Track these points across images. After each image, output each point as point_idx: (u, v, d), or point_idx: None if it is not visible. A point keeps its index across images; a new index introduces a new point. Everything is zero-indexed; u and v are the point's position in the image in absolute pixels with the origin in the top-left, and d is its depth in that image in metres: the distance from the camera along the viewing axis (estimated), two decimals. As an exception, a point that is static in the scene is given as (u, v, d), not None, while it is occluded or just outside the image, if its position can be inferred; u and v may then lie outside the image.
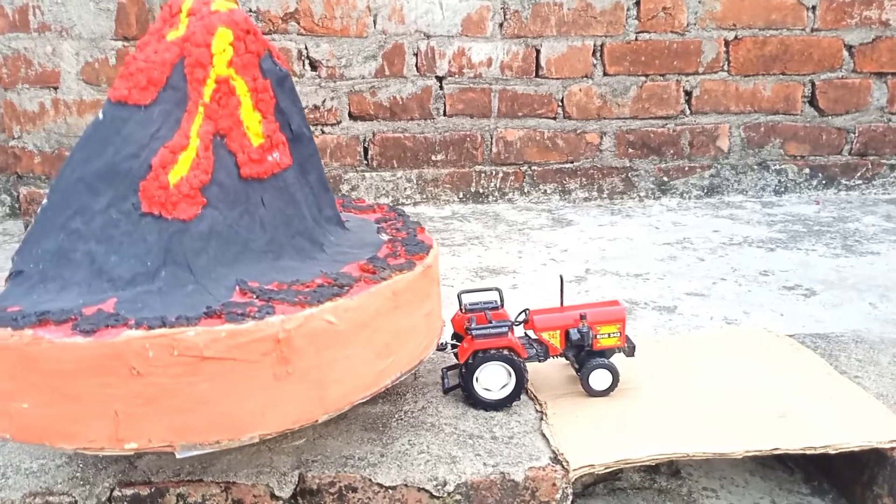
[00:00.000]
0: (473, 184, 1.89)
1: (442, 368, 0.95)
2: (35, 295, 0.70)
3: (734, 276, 1.41)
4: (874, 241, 1.60)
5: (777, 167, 1.94)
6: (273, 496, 0.78)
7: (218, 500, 0.78)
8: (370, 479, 0.78)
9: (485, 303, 0.94)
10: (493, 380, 0.89)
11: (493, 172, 1.89)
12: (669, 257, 1.52)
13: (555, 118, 1.86)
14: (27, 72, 1.60)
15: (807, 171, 1.95)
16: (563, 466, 0.80)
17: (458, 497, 0.79)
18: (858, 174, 1.95)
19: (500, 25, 1.79)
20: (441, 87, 1.82)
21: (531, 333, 0.93)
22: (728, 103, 1.88)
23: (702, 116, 1.89)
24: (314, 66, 1.77)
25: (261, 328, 0.65)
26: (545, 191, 1.92)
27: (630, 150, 1.90)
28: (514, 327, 0.90)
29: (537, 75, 1.83)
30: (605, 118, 1.87)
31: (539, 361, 0.91)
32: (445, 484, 0.79)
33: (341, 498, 0.79)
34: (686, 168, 1.92)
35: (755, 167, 1.93)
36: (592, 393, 0.91)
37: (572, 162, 1.90)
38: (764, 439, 0.83)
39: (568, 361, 0.95)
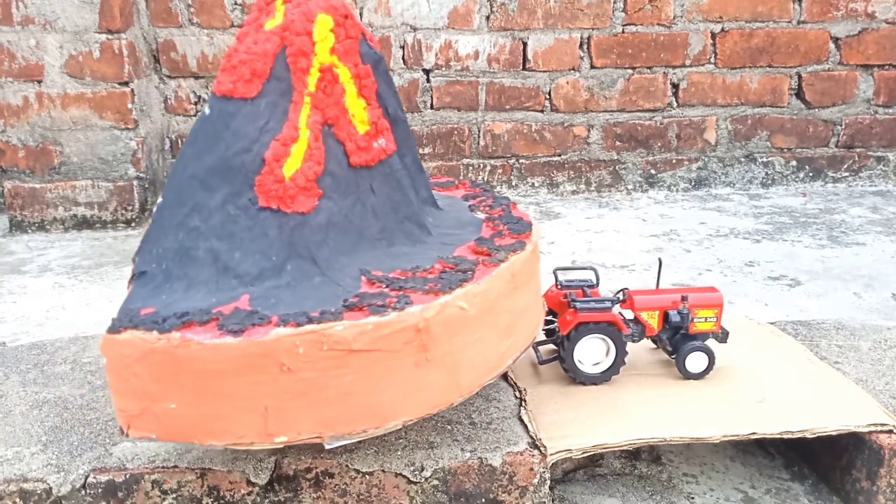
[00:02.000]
0: (461, 177, 1.89)
1: (533, 343, 0.93)
2: (163, 295, 0.70)
3: (720, 266, 1.41)
4: (860, 232, 1.61)
5: (764, 160, 1.94)
6: (249, 482, 0.78)
7: (193, 487, 0.77)
8: (347, 465, 0.78)
9: (581, 280, 0.95)
10: (591, 353, 0.89)
11: (481, 166, 1.89)
12: (656, 249, 1.53)
13: (542, 111, 1.86)
14: (10, 65, 1.60)
15: (794, 163, 1.95)
16: (540, 451, 0.80)
17: (435, 482, 0.79)
18: (845, 166, 1.96)
19: (487, 18, 1.79)
20: (428, 80, 1.82)
21: (627, 313, 0.93)
22: (715, 96, 1.88)
23: (689, 109, 1.89)
24: (300, 58, 1.77)
25: (403, 319, 0.66)
26: (533, 184, 1.91)
27: (617, 143, 1.90)
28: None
29: (524, 68, 1.83)
30: (592, 111, 1.87)
31: (633, 341, 0.92)
32: (423, 469, 0.78)
33: (318, 484, 0.79)
34: (673, 161, 1.92)
35: (742, 160, 1.94)
36: (688, 375, 0.92)
37: (560, 155, 1.90)
38: (742, 424, 0.83)
39: (655, 345, 0.96)
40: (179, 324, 0.64)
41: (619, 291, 0.94)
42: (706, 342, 0.92)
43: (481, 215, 0.90)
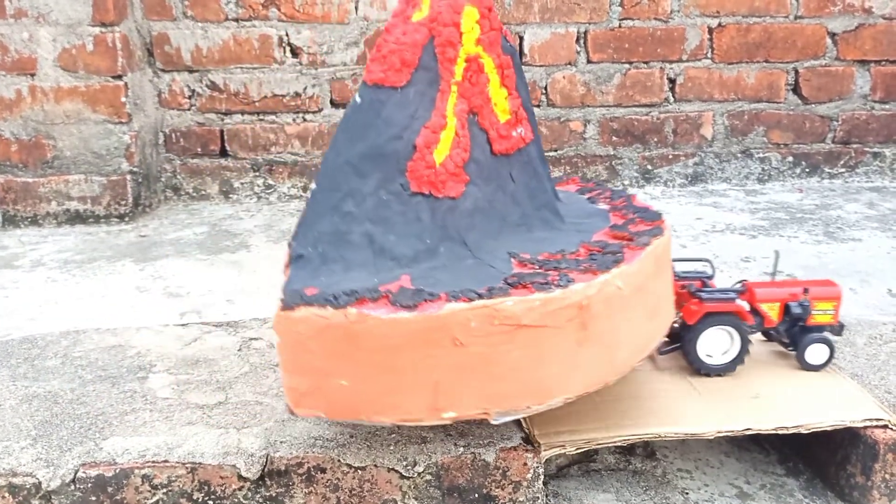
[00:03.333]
0: (457, 172, 1.88)
1: None
2: (323, 277, 0.72)
3: (716, 262, 1.41)
4: (856, 227, 1.60)
5: (760, 155, 1.93)
6: (240, 477, 0.77)
7: (184, 482, 0.77)
8: (339, 460, 0.78)
9: (697, 271, 0.95)
10: (714, 344, 0.90)
11: (477, 161, 1.88)
12: (651, 244, 1.52)
13: (539, 105, 1.85)
14: (3, 58, 1.58)
15: (790, 159, 1.94)
16: (534, 447, 0.79)
17: (428, 477, 0.78)
18: (842, 162, 1.95)
19: (483, 12, 1.78)
20: (423, 75, 1.81)
21: (745, 305, 0.93)
22: (712, 91, 1.87)
23: (685, 104, 1.88)
24: (295, 52, 1.76)
25: (567, 296, 0.68)
26: (529, 179, 1.91)
27: (614, 138, 1.89)
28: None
29: (521, 62, 1.82)
30: (588, 106, 1.86)
31: (751, 333, 0.92)
32: (415, 464, 0.78)
33: (310, 479, 0.78)
34: (670, 156, 1.92)
35: (739, 155, 1.93)
36: (807, 367, 0.92)
37: (556, 150, 1.89)
38: (737, 420, 0.83)
39: (766, 338, 0.96)
40: (353, 300, 0.66)
41: (736, 283, 0.95)
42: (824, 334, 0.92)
43: (603, 206, 0.92)
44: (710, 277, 0.95)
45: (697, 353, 0.90)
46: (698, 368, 0.90)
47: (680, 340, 0.91)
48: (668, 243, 0.83)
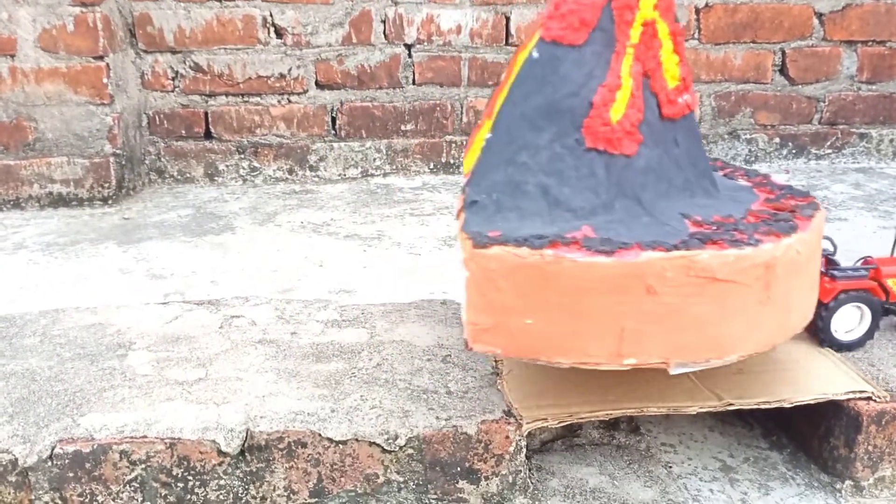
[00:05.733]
0: (444, 154, 1.87)
1: None
2: (499, 222, 0.74)
3: (701, 241, 1.41)
4: (842, 207, 1.60)
5: (747, 136, 1.93)
6: (220, 452, 0.76)
7: (163, 458, 0.76)
8: (320, 434, 0.77)
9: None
10: (846, 321, 0.91)
11: (464, 143, 1.87)
12: (638, 224, 1.51)
13: (525, 87, 1.84)
14: (-18, 38, 1.56)
15: (777, 140, 1.94)
16: (516, 420, 0.79)
17: (410, 451, 0.78)
18: (828, 143, 1.95)
19: (470, -8, 1.77)
20: (410, 55, 1.80)
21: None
22: (699, 72, 1.87)
23: (673, 85, 1.87)
24: (279, 33, 1.74)
25: (757, 254, 0.69)
26: (516, 161, 1.90)
27: (601, 120, 1.88)
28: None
29: (507, 43, 1.81)
30: (575, 87, 1.85)
31: (883, 309, 0.92)
32: (397, 438, 0.77)
33: (290, 453, 0.77)
34: (657, 138, 1.91)
35: (726, 136, 1.93)
36: None
37: (543, 132, 1.88)
38: (720, 395, 0.83)
39: (886, 314, 0.96)
40: (547, 243, 0.69)
41: (858, 260, 0.96)
42: None
43: (744, 182, 0.93)
44: (833, 254, 0.95)
45: (831, 331, 0.90)
46: (830, 345, 0.91)
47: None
48: (824, 218, 0.84)
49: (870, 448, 0.84)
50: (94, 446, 0.75)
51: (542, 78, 0.77)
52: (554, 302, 0.69)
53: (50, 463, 0.74)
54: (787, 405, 0.83)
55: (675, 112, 0.82)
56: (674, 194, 0.81)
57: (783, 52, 1.87)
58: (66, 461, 0.75)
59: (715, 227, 0.74)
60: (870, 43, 1.88)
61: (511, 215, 0.75)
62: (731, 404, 0.82)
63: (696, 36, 1.84)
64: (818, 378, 0.86)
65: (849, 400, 0.84)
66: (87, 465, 0.75)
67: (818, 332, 0.91)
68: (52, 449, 0.75)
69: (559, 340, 0.70)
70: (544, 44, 0.78)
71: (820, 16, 1.85)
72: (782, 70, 1.89)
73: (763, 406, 0.83)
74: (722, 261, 0.68)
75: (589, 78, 0.77)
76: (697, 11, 1.83)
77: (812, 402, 0.84)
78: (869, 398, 0.84)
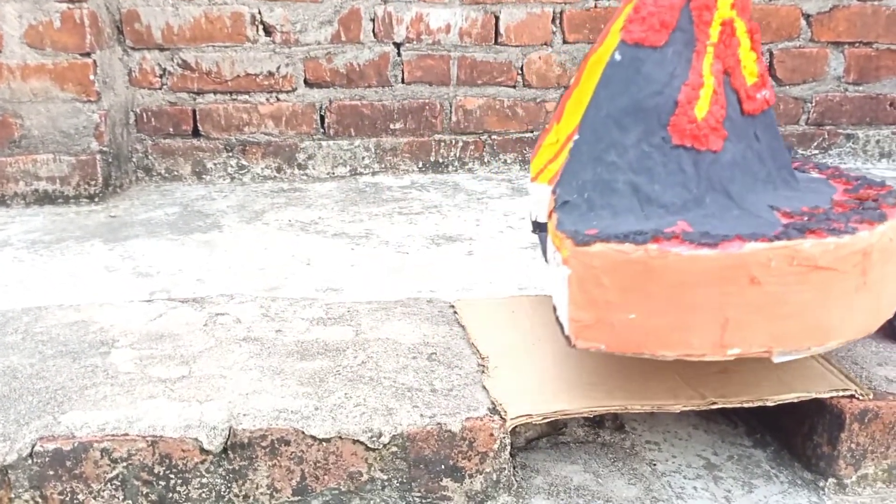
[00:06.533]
0: (433, 153, 1.87)
1: None
2: (593, 221, 0.76)
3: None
4: (829, 207, 1.61)
5: (736, 137, 1.94)
6: (202, 450, 0.76)
7: (144, 456, 0.75)
8: (303, 432, 0.77)
9: None
10: None
11: (453, 142, 1.87)
12: (626, 224, 1.52)
13: (514, 86, 1.84)
14: (-33, 34, 1.55)
15: (765, 140, 1.95)
16: (500, 416, 0.79)
17: (394, 449, 0.78)
18: (815, 144, 1.96)
19: (459, -9, 1.77)
20: (399, 54, 1.79)
21: None
22: (687, 72, 1.87)
23: (661, 85, 1.88)
24: (268, 31, 1.73)
25: (855, 242, 0.71)
26: (505, 160, 1.90)
27: (590, 120, 1.89)
28: None
29: (496, 42, 1.81)
30: (564, 87, 1.85)
31: None
32: (381, 435, 0.77)
33: (273, 451, 0.77)
34: (646, 138, 1.91)
35: (714, 137, 1.93)
36: None
37: (533, 131, 1.88)
38: (704, 393, 0.83)
39: None
40: (649, 238, 0.70)
41: None
42: None
43: (816, 174, 0.94)
44: None
45: None
46: None
47: None
48: None
49: (852, 446, 0.84)
50: (75, 444, 0.74)
51: (625, 79, 0.80)
52: (658, 296, 0.70)
53: (30, 461, 0.74)
54: (770, 404, 0.83)
55: (754, 108, 0.84)
56: (759, 187, 0.83)
57: (770, 53, 1.88)
58: (47, 459, 0.74)
59: (807, 218, 0.76)
60: (857, 44, 1.89)
61: (604, 213, 0.78)
62: (714, 403, 0.82)
63: (684, 36, 1.84)
64: (802, 376, 0.86)
65: (832, 398, 0.84)
66: (68, 463, 0.74)
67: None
68: (33, 447, 0.74)
69: (663, 334, 0.72)
70: (626, 46, 0.80)
71: (807, 17, 1.86)
72: (770, 71, 1.89)
73: (746, 405, 0.83)
74: (823, 249, 0.70)
75: (672, 77, 0.79)
76: (686, 12, 1.83)
77: (795, 400, 0.84)
78: (852, 396, 0.84)
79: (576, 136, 0.81)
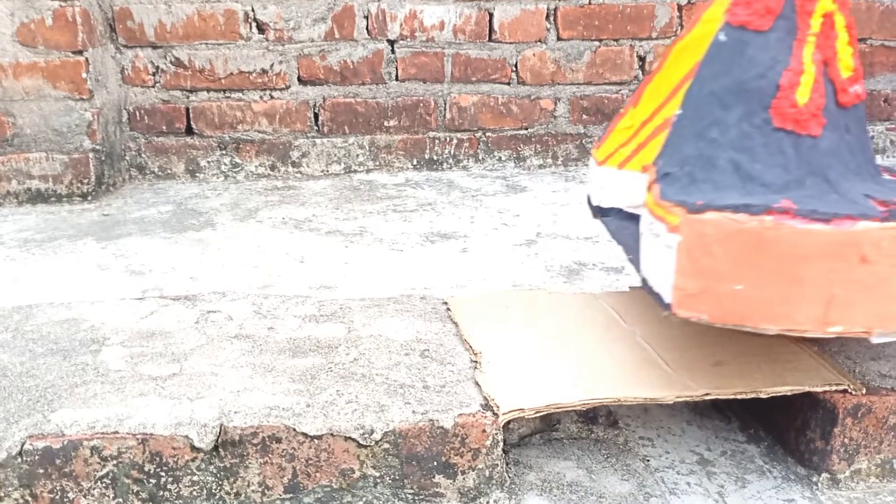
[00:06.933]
0: (427, 150, 1.87)
1: None
2: (695, 193, 0.78)
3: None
4: (823, 203, 1.61)
5: (731, 133, 1.94)
6: (193, 448, 0.75)
7: (135, 454, 0.75)
8: (294, 429, 0.76)
9: None
10: None
11: (448, 139, 1.87)
12: (621, 220, 1.51)
13: (509, 83, 1.84)
14: (-42, 32, 1.54)
15: (760, 137, 1.95)
16: (493, 412, 0.78)
17: (386, 445, 0.77)
18: (811, 140, 1.96)
19: (453, -12, 1.76)
20: (393, 51, 1.79)
21: None
22: (682, 69, 1.87)
23: (656, 82, 1.88)
24: (261, 28, 1.73)
25: None
26: (500, 158, 1.90)
27: (584, 117, 1.88)
28: None
29: (490, 39, 1.81)
30: (559, 83, 1.85)
31: None
32: (373, 432, 0.77)
33: (265, 449, 0.77)
34: (641, 134, 1.91)
35: (709, 133, 1.93)
36: None
37: (527, 128, 1.88)
38: (697, 386, 0.83)
39: None
40: (764, 210, 0.72)
41: None
42: None
43: (889, 176, 0.95)
44: None
45: None
46: None
47: None
48: None
49: (846, 441, 0.84)
50: (65, 442, 0.74)
51: (729, 59, 0.83)
52: (767, 268, 0.71)
53: (19, 459, 0.73)
54: (763, 396, 0.83)
55: (848, 100, 0.86)
56: (850, 177, 0.85)
57: (765, 49, 1.88)
58: (36, 457, 0.73)
59: None
60: (851, 40, 1.89)
61: (705, 187, 0.79)
62: (708, 394, 0.82)
63: (678, 33, 1.84)
64: (795, 370, 0.86)
65: (825, 393, 0.84)
66: (58, 462, 0.74)
67: None
68: (22, 445, 0.73)
69: (768, 306, 0.72)
70: (731, 28, 0.83)
71: (801, 13, 1.86)
72: (764, 67, 1.89)
73: (740, 396, 0.83)
74: None
75: (774, 62, 0.82)
76: (680, 8, 1.83)
77: (788, 392, 0.84)
78: (845, 391, 0.84)
79: (678, 111, 0.84)
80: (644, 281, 0.81)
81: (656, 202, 0.78)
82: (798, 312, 0.73)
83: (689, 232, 0.73)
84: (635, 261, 0.87)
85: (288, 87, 1.77)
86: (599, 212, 1.01)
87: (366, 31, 1.77)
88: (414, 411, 0.78)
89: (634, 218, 0.93)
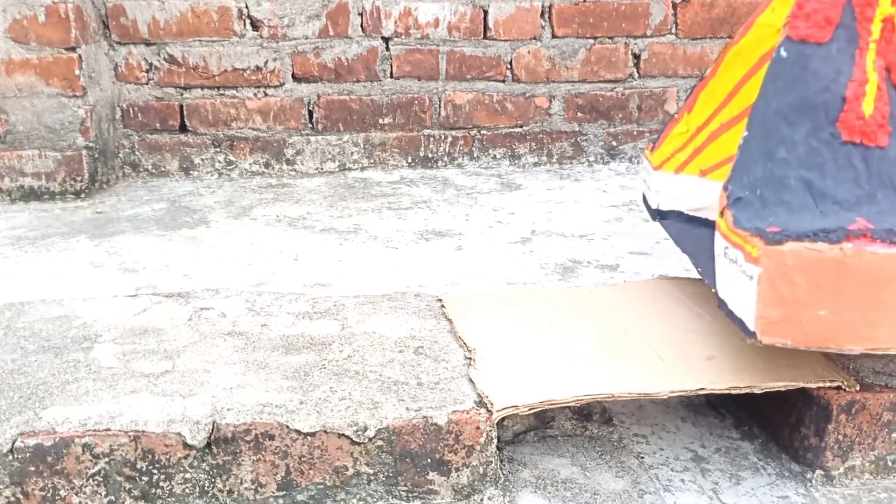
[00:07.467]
0: (422, 148, 1.86)
1: None
2: (769, 217, 0.77)
3: (678, 234, 1.41)
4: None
5: (725, 131, 1.94)
6: (186, 445, 0.75)
7: (127, 451, 0.74)
8: (287, 426, 0.76)
9: None
10: None
11: (442, 137, 1.86)
12: (615, 219, 1.52)
13: (504, 81, 1.84)
14: (-50, 28, 1.53)
15: (754, 135, 1.95)
16: (487, 409, 0.78)
17: (379, 443, 0.77)
18: (805, 138, 1.96)
19: (447, -14, 1.76)
20: (387, 49, 1.78)
21: None
22: (676, 67, 1.87)
23: (650, 80, 1.88)
24: (255, 25, 1.72)
25: None
26: (495, 156, 1.89)
27: (579, 115, 1.88)
28: None
29: (485, 37, 1.80)
30: (553, 81, 1.85)
31: None
32: (366, 429, 0.77)
33: (258, 446, 0.76)
34: (635, 132, 1.91)
35: (704, 131, 1.93)
36: None
37: (522, 126, 1.88)
38: (691, 381, 0.83)
39: None
40: (844, 236, 0.72)
41: None
42: None
43: None
44: None
45: None
46: None
47: None
48: None
49: (840, 437, 0.84)
50: (56, 439, 0.73)
51: (792, 75, 0.82)
52: (849, 293, 0.73)
53: (11, 457, 0.73)
54: (757, 391, 0.83)
55: None
56: None
57: (760, 47, 1.88)
58: (28, 455, 0.73)
59: None
60: (845, 38, 1.89)
61: (779, 210, 0.78)
62: (702, 389, 0.82)
63: (673, 31, 1.85)
64: (789, 366, 0.86)
65: (819, 389, 0.84)
66: (49, 459, 0.73)
67: None
68: (13, 442, 0.73)
69: (851, 329, 0.74)
70: (791, 43, 0.82)
71: (796, 11, 1.86)
72: (759, 65, 1.89)
73: (734, 391, 0.83)
74: None
75: (837, 73, 0.81)
76: (675, 6, 1.83)
77: (783, 388, 0.84)
78: (839, 388, 0.84)
79: (745, 133, 0.83)
80: (722, 303, 0.82)
81: (731, 229, 0.78)
82: (882, 333, 0.74)
83: (770, 263, 0.73)
84: (707, 276, 0.87)
85: (282, 85, 1.76)
86: (658, 215, 1.02)
87: (360, 29, 1.76)
88: (408, 408, 0.78)
89: (695, 221, 0.95)
